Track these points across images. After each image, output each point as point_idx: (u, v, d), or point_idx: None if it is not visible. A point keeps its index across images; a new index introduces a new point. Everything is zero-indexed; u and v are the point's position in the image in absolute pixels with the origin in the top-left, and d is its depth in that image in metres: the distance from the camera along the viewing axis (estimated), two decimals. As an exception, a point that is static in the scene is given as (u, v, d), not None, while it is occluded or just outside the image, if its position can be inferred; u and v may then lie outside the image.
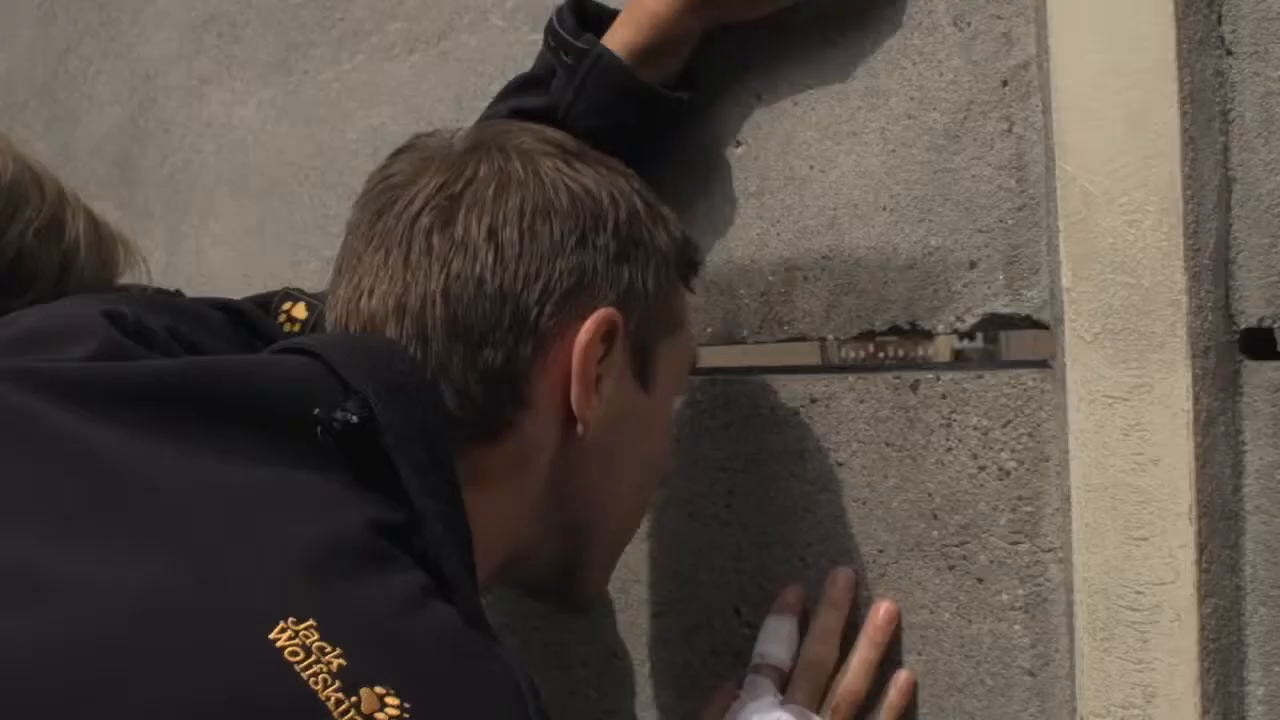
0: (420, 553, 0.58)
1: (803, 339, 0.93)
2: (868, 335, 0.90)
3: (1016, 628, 0.83)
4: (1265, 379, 0.73)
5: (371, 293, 0.70)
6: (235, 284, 1.37)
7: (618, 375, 0.73)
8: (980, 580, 0.84)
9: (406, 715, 0.48)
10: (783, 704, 0.83)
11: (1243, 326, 0.74)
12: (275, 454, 0.57)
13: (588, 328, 0.69)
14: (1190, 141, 0.72)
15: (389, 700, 0.48)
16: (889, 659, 0.87)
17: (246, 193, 1.38)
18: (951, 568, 0.85)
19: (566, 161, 0.73)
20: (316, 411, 0.58)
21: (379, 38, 1.23)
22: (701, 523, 0.98)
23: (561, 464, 0.72)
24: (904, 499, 0.87)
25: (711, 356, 0.97)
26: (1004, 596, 0.83)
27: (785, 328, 0.94)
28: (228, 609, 0.50)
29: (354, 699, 0.47)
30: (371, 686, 0.48)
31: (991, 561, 0.84)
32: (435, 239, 0.69)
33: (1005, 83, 0.82)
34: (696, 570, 0.98)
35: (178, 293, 0.87)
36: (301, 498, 0.56)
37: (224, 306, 0.81)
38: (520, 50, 1.08)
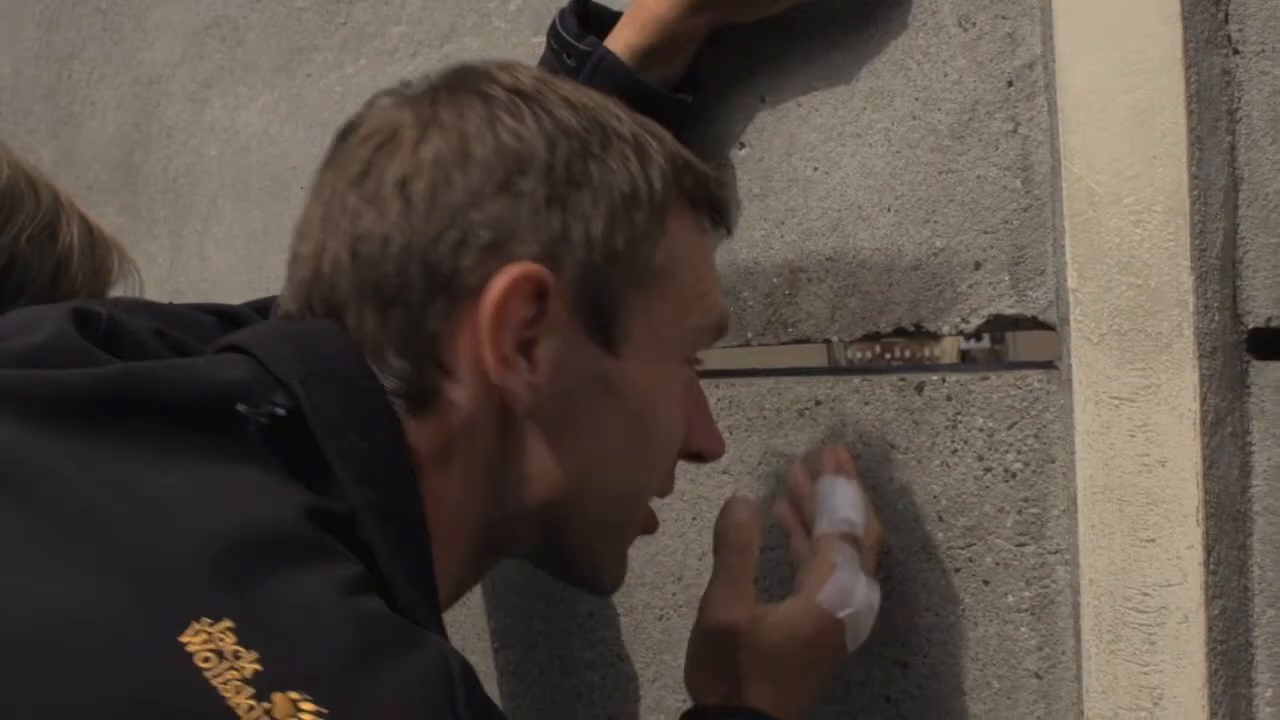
0: (363, 542, 0.56)
1: (807, 341, 0.93)
2: (873, 337, 0.90)
3: (1023, 630, 0.82)
4: (1273, 379, 0.73)
5: (298, 256, 0.68)
6: (239, 288, 1.36)
7: (562, 337, 0.65)
8: (986, 582, 0.84)
9: None
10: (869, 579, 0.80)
11: (1250, 326, 0.74)
12: (213, 454, 0.56)
13: (498, 284, 0.62)
14: (1197, 141, 0.72)
15: (304, 705, 0.47)
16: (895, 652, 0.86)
17: (250, 197, 1.38)
18: (957, 570, 0.85)
19: (511, 102, 0.66)
20: (241, 408, 0.57)
21: (382, 41, 1.23)
22: (705, 525, 0.98)
23: (506, 437, 0.66)
24: (909, 501, 0.87)
25: (715, 359, 0.97)
26: (1010, 599, 0.83)
27: (790, 329, 0.94)
28: (138, 613, 0.48)
29: (265, 705, 0.46)
30: (285, 691, 0.47)
31: (997, 563, 0.83)
32: (352, 194, 0.65)
33: (1010, 83, 0.82)
34: (700, 574, 0.98)
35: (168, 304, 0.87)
36: (234, 494, 0.55)
37: (218, 312, 0.80)
38: (523, 53, 1.07)
